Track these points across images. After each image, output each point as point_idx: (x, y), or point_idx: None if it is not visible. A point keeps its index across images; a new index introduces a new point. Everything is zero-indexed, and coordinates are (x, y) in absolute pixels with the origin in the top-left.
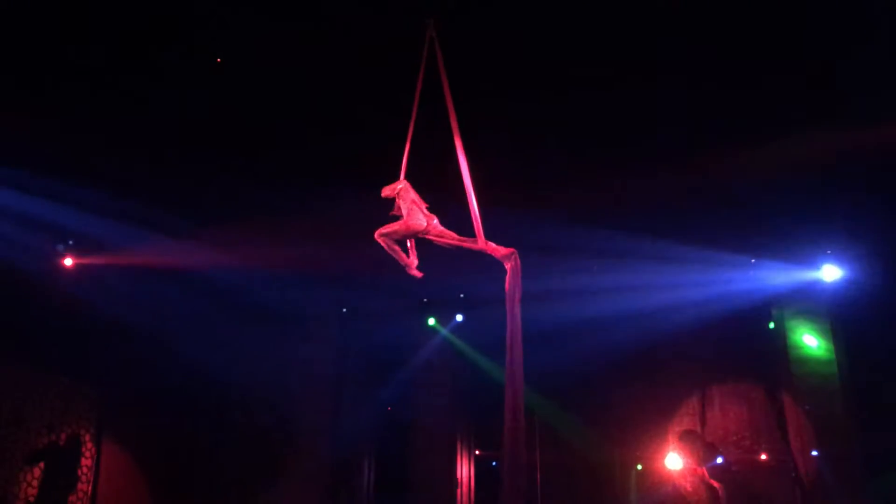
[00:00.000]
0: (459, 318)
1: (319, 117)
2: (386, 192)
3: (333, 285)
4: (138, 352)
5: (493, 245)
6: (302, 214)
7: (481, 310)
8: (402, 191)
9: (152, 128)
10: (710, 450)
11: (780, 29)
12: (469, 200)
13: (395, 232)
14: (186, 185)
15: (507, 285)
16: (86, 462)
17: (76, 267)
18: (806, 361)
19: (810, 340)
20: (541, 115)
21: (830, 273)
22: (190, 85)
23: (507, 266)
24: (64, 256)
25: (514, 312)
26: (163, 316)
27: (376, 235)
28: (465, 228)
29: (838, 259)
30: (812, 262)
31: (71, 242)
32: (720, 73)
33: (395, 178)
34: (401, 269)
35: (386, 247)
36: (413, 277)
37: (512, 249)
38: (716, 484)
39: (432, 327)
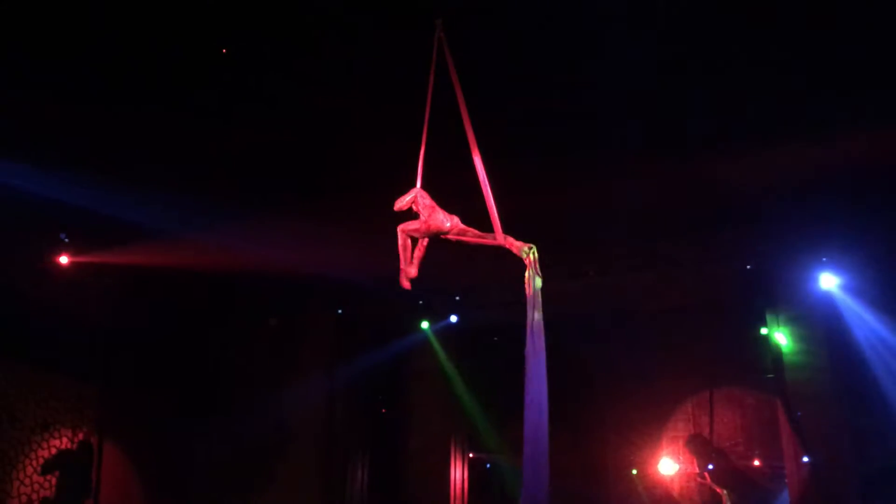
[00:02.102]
0: (454, 318)
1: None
2: (399, 204)
3: (328, 287)
4: (137, 352)
5: (512, 239)
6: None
7: (477, 313)
8: (416, 198)
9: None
10: (705, 455)
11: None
12: (486, 196)
13: (416, 230)
14: (188, 186)
15: (526, 282)
16: (85, 462)
17: (73, 265)
18: (799, 368)
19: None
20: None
21: (826, 280)
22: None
23: (526, 262)
24: (61, 254)
25: (535, 312)
26: (161, 316)
27: (399, 228)
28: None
29: (834, 266)
30: (808, 269)
31: (67, 240)
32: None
33: (409, 186)
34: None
35: (401, 242)
36: (404, 282)
37: (531, 245)
38: (719, 490)
39: (425, 331)
